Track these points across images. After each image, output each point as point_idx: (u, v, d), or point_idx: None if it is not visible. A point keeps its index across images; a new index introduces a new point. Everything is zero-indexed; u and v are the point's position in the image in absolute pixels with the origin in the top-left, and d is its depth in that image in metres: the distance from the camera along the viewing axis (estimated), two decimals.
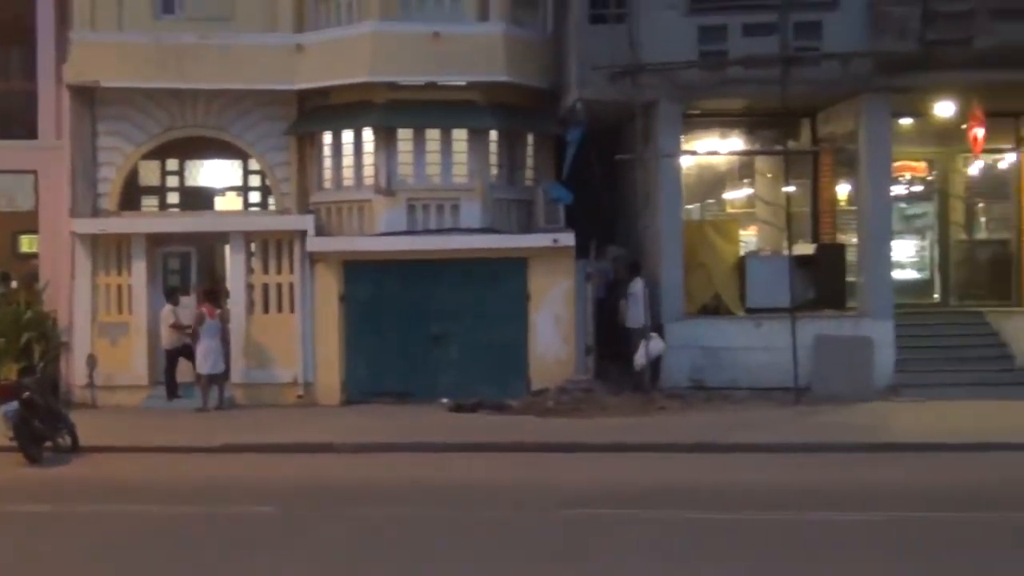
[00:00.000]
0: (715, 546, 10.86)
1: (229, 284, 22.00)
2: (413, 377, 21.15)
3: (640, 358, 20.38)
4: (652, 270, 21.18)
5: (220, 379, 20.95)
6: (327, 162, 22.07)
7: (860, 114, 21.07)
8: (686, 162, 22.36)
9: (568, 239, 21.08)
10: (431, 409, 20.01)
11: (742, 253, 22.84)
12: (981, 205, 24.85)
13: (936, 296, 24.06)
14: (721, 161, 24.37)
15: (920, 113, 21.93)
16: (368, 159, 21.62)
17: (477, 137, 21.63)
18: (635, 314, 20.76)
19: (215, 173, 22.94)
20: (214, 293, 21.53)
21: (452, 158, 21.65)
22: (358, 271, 21.50)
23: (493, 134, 21.81)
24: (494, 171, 21.88)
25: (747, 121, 23.46)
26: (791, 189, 23.36)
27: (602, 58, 20.44)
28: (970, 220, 24.74)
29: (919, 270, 24.46)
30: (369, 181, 21.59)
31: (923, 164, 24.38)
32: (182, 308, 21.39)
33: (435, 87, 21.43)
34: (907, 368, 20.52)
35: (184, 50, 21.34)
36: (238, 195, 22.90)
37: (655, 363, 20.43)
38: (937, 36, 19.76)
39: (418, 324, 21.23)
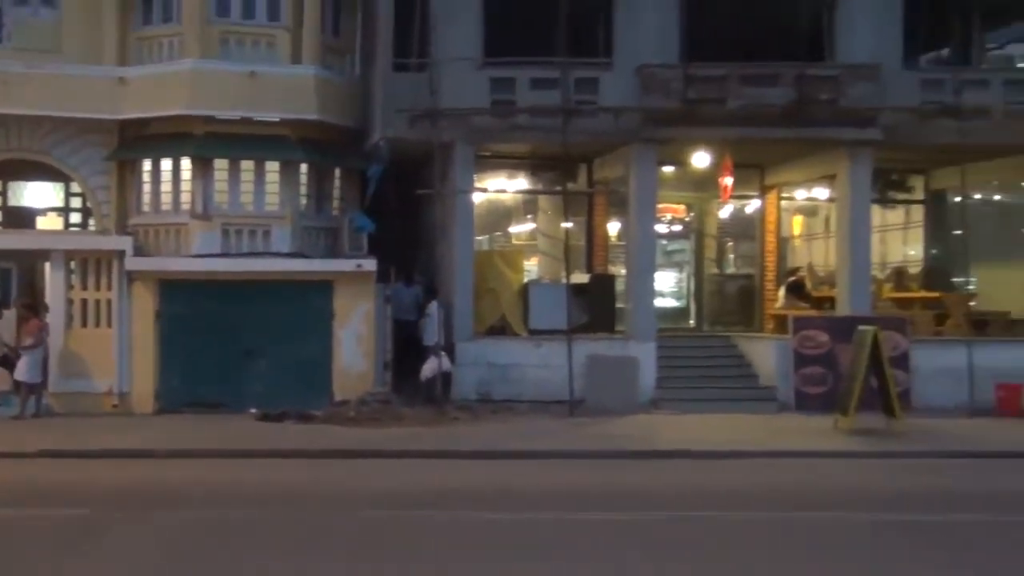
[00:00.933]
0: (497, 543, 11.02)
1: (48, 299, 21.14)
2: (224, 388, 20.71)
3: (427, 371, 20.53)
4: (447, 294, 21.36)
5: (38, 388, 20.16)
6: (146, 187, 21.57)
7: (630, 161, 21.70)
8: (478, 198, 22.68)
9: (370, 265, 21.08)
10: (240, 419, 19.65)
11: (526, 280, 23.26)
12: (730, 244, 26.06)
13: (692, 322, 25.06)
14: (508, 198, 24.84)
15: (681, 162, 22.76)
16: (185, 186, 21.21)
17: (288, 169, 21.46)
18: (430, 333, 20.90)
19: (38, 194, 22.15)
20: (33, 307, 20.68)
21: (265, 188, 21.45)
22: (174, 290, 20.98)
23: (303, 167, 21.66)
24: (303, 201, 21.73)
25: (532, 163, 23.96)
26: (569, 225, 23.82)
27: (404, 102, 20.62)
28: (721, 257, 25.89)
29: (677, 299, 25.45)
30: (186, 206, 21.17)
31: (683, 207, 25.44)
32: (4, 321, 20.51)
33: (250, 122, 21.14)
34: (666, 385, 21.13)
35: (10, 78, 20.57)
36: (59, 215, 22.13)
37: (446, 377, 20.59)
38: (696, 96, 20.65)
39: (230, 340, 20.79)
